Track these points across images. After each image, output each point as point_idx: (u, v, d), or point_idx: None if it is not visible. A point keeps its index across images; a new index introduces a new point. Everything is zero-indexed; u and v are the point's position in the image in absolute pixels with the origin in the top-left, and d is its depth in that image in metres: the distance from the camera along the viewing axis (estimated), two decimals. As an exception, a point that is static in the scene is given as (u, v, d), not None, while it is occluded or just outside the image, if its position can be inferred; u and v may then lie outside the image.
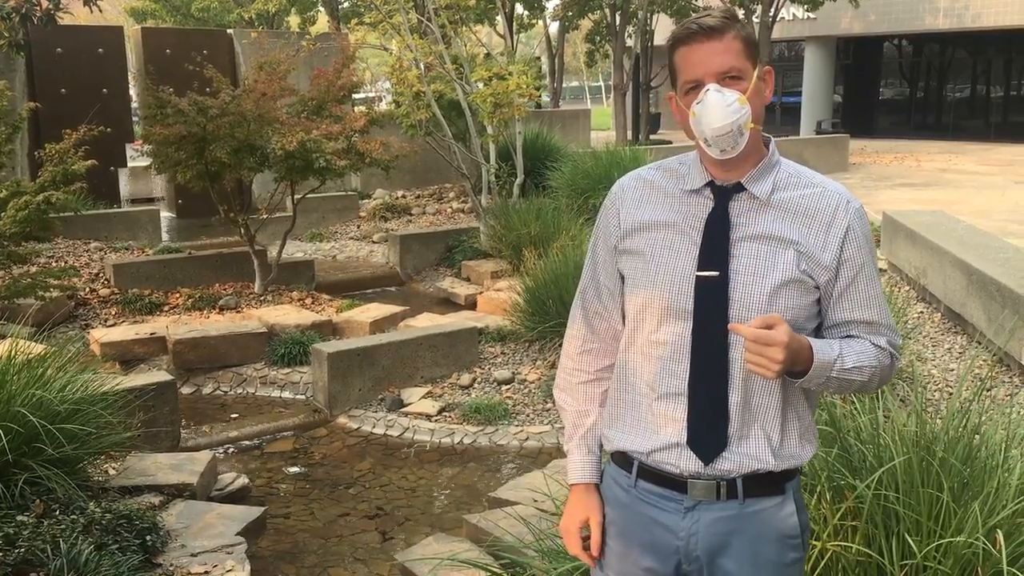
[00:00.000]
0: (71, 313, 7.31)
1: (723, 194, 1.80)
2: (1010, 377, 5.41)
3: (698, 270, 1.78)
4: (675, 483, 1.83)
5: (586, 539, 1.95)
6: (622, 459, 1.91)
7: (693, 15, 1.82)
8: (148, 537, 3.60)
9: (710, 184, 1.83)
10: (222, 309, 7.51)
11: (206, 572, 3.52)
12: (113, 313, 7.39)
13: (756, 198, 1.80)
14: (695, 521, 1.82)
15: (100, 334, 6.67)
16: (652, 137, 22.45)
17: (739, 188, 1.81)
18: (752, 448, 1.80)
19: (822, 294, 1.82)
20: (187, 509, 4.05)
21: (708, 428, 1.79)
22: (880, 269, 8.18)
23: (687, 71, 1.76)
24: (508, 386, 6.07)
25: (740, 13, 21.65)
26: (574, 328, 2.03)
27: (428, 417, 5.66)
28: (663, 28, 23.54)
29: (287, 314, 7.22)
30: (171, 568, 3.53)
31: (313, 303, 7.84)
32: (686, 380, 1.80)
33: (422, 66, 10.01)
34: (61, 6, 8.07)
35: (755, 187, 1.80)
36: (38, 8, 8.02)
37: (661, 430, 1.83)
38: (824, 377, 1.74)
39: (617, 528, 1.91)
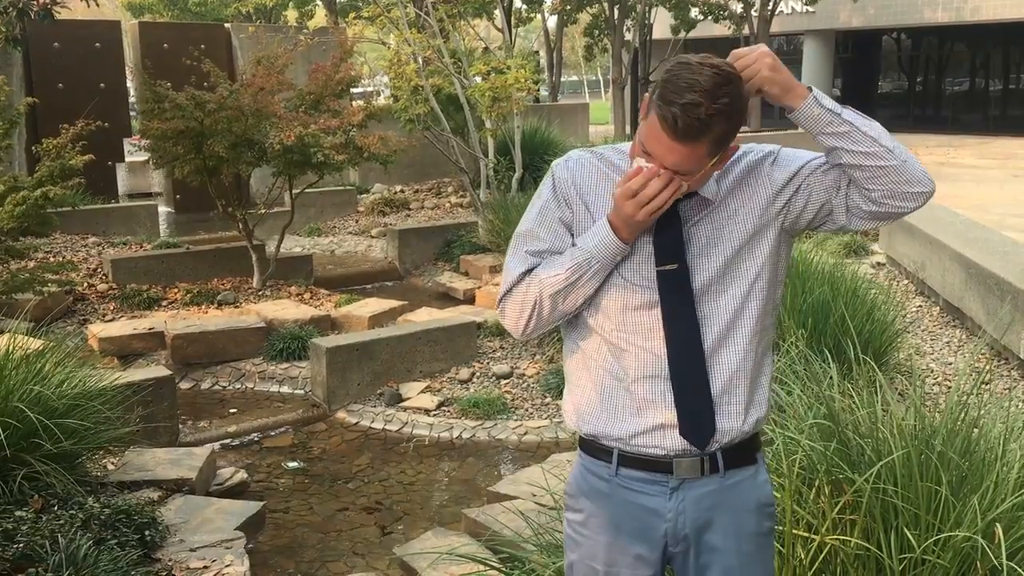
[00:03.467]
0: (69, 308, 7.30)
1: None
2: (1008, 370, 5.41)
3: (657, 266, 1.83)
4: (659, 465, 1.86)
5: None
6: (597, 449, 1.92)
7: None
8: (147, 532, 3.60)
9: None
10: (220, 304, 7.50)
11: (205, 567, 3.52)
12: (111, 308, 7.39)
13: (707, 200, 1.85)
14: (681, 500, 1.86)
15: (98, 329, 6.67)
16: (650, 131, 22.37)
17: (689, 194, 1.83)
18: (730, 421, 1.86)
19: (809, 199, 1.86)
20: (186, 504, 4.05)
21: (696, 417, 1.84)
22: (878, 263, 8.19)
23: (647, 141, 1.74)
24: (507, 380, 6.07)
25: (739, 7, 21.67)
26: (515, 273, 1.90)
27: (427, 412, 5.66)
28: (662, 22, 23.51)
29: (285, 309, 7.22)
30: (170, 563, 3.53)
31: (311, 298, 7.83)
32: (664, 362, 1.84)
33: (420, 60, 9.99)
34: (58, 1, 8.04)
35: (705, 191, 1.84)
36: (35, 3, 8.00)
37: (643, 413, 1.86)
38: (832, 102, 1.76)
39: (600, 520, 1.91)
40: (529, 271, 1.87)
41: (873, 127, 1.76)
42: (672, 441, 1.84)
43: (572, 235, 1.89)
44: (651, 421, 1.85)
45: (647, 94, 1.80)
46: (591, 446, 1.94)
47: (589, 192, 1.89)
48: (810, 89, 1.75)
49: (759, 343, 1.90)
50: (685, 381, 1.83)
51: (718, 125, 1.68)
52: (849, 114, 1.76)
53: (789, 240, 1.93)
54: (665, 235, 1.82)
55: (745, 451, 1.90)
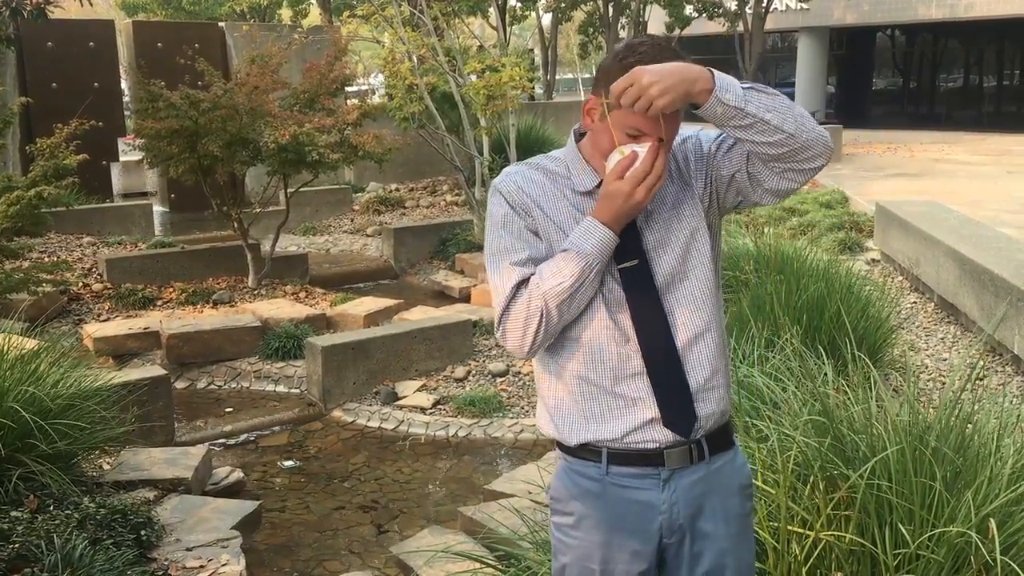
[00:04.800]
0: (64, 308, 7.29)
1: None
2: (1003, 366, 5.43)
3: (617, 264, 1.85)
4: (650, 458, 1.88)
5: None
6: (586, 451, 1.91)
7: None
8: (143, 532, 3.60)
9: (602, 183, 1.85)
10: (216, 303, 7.49)
11: (201, 566, 3.52)
12: (106, 308, 7.38)
13: None
14: (673, 491, 1.89)
15: (93, 329, 6.66)
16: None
17: None
18: (711, 406, 1.90)
19: (714, 176, 1.91)
20: (182, 503, 4.05)
21: (677, 406, 1.87)
22: (873, 259, 8.20)
23: (642, 122, 1.75)
24: (503, 379, 6.07)
25: (733, 5, 21.67)
26: (508, 287, 1.85)
27: (423, 410, 5.66)
28: (656, 19, 23.50)
29: (281, 308, 7.21)
30: (166, 562, 3.53)
31: (307, 297, 7.83)
32: (640, 359, 1.86)
33: (415, 58, 9.99)
34: (51, 0, 8.02)
35: None
36: (28, 2, 7.97)
37: (630, 412, 1.87)
38: (740, 89, 1.73)
39: (593, 520, 1.91)
40: (522, 283, 1.84)
41: (777, 108, 1.75)
42: (663, 434, 1.87)
43: (542, 241, 1.89)
44: (640, 418, 1.87)
45: (591, 97, 1.84)
46: (578, 449, 1.93)
47: (541, 199, 1.89)
48: (713, 79, 1.71)
49: (723, 324, 1.96)
50: (661, 375, 1.86)
51: None
52: (753, 103, 1.73)
53: (720, 220, 1.99)
54: (622, 234, 1.83)
55: (724, 435, 1.97)
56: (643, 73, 1.68)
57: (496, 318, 1.87)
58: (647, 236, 1.87)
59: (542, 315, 1.81)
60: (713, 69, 1.73)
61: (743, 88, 1.75)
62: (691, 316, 1.89)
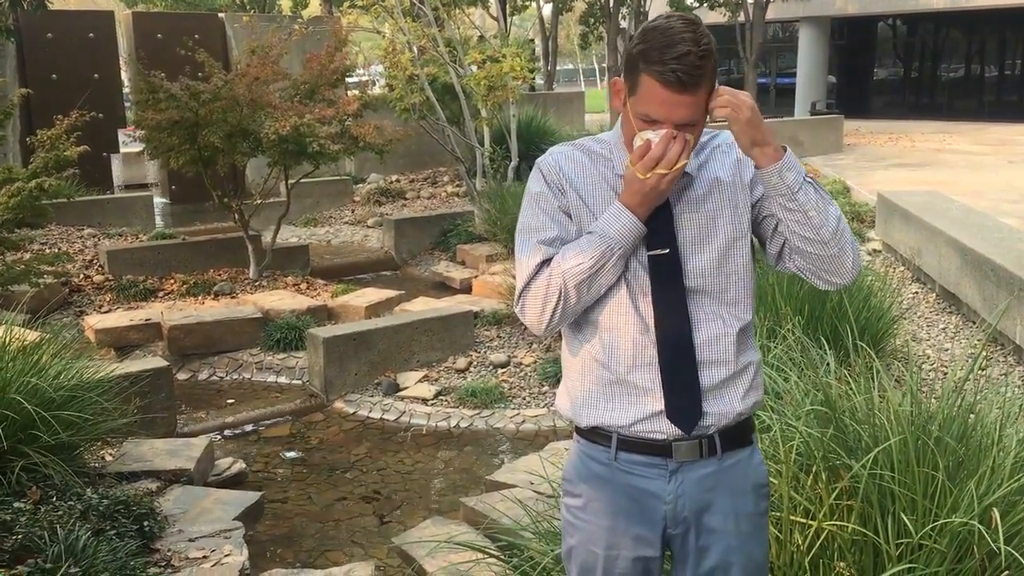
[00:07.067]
0: (65, 300, 7.29)
1: None
2: (1004, 356, 5.42)
3: (648, 250, 1.85)
4: (658, 449, 1.88)
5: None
6: (597, 435, 1.93)
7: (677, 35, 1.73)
8: (146, 523, 3.61)
9: None
10: (217, 295, 7.49)
11: (204, 557, 3.52)
12: (108, 300, 7.38)
13: (688, 174, 1.87)
14: (680, 483, 1.88)
15: (95, 321, 6.66)
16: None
17: None
18: (728, 406, 1.89)
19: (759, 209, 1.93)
20: (184, 494, 4.05)
21: (684, 402, 1.86)
22: (875, 250, 8.19)
23: (650, 109, 1.76)
24: (504, 369, 6.07)
25: (735, -6, 21.59)
26: (532, 265, 1.87)
27: (424, 401, 5.67)
28: (657, 9, 23.41)
29: (282, 299, 7.21)
30: (169, 553, 3.54)
31: (308, 288, 7.82)
32: (655, 352, 1.86)
33: (415, 49, 9.96)
34: (51, -9, 8.01)
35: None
36: (28, -7, 7.96)
37: (641, 402, 1.87)
38: (801, 178, 1.80)
39: (599, 504, 1.93)
40: (545, 262, 1.86)
41: (821, 211, 1.81)
42: (671, 426, 1.87)
43: (573, 223, 1.90)
44: (648, 409, 1.87)
45: (616, 78, 1.84)
46: (589, 432, 1.95)
47: (578, 181, 1.91)
48: (785, 153, 1.79)
49: (751, 328, 1.95)
50: (673, 368, 1.86)
51: (709, 63, 1.74)
52: (803, 194, 1.80)
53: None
54: (656, 218, 1.84)
55: (741, 433, 1.94)
56: (749, 99, 1.76)
57: (516, 293, 1.90)
58: (685, 230, 1.87)
59: (560, 294, 1.83)
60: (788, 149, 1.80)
61: (804, 179, 1.80)
62: (716, 315, 1.88)
